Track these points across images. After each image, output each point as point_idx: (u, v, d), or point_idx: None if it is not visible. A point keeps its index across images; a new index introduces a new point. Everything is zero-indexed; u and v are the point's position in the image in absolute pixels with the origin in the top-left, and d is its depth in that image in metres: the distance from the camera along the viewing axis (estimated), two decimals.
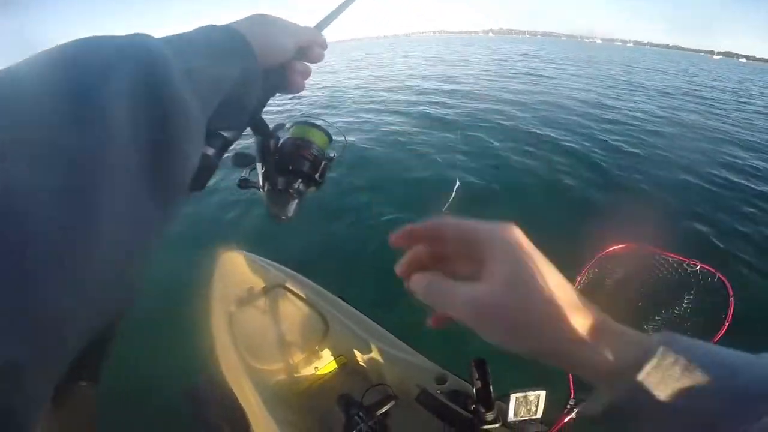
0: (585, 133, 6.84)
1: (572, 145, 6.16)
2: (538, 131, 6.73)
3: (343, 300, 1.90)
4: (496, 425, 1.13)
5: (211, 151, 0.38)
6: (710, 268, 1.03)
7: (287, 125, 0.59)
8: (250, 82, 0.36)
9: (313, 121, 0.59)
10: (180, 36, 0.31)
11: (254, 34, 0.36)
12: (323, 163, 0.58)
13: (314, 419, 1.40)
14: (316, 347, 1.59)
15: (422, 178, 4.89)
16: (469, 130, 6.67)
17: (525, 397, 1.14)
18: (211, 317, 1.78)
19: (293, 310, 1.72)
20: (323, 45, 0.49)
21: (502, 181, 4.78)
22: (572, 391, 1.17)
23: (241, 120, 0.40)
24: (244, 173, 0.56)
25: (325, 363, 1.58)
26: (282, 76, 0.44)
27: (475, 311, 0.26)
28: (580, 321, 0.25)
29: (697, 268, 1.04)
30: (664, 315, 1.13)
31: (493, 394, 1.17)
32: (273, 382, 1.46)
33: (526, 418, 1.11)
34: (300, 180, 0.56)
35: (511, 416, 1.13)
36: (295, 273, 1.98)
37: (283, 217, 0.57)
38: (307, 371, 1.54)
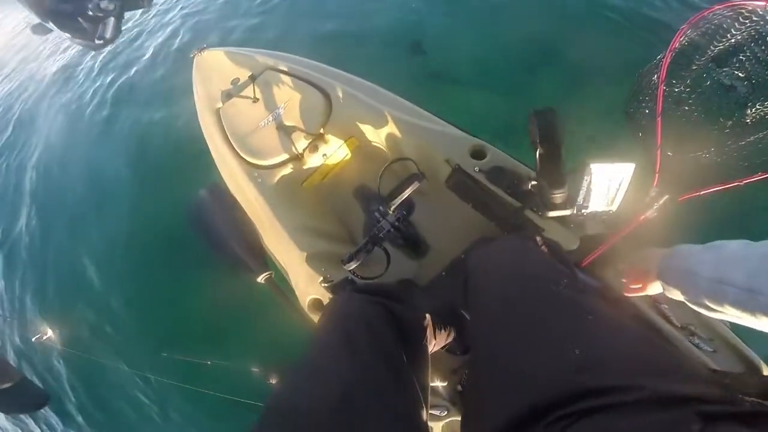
0: None
1: None
2: None
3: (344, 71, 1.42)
4: (566, 212, 0.82)
5: None
6: None
7: None
8: None
9: None
10: None
11: None
12: None
13: (332, 220, 1.24)
14: (321, 130, 1.26)
15: None
16: None
17: (607, 171, 0.75)
18: (199, 122, 1.49)
19: (288, 91, 1.34)
20: None
21: None
22: (656, 176, 0.76)
23: None
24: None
25: (335, 148, 1.28)
26: None
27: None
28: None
29: None
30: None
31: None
32: (277, 180, 1.24)
33: (602, 209, 0.76)
34: None
35: (580, 200, 0.78)
36: (283, 53, 1.51)
37: (98, 42, 0.53)
38: (315, 161, 1.27)
